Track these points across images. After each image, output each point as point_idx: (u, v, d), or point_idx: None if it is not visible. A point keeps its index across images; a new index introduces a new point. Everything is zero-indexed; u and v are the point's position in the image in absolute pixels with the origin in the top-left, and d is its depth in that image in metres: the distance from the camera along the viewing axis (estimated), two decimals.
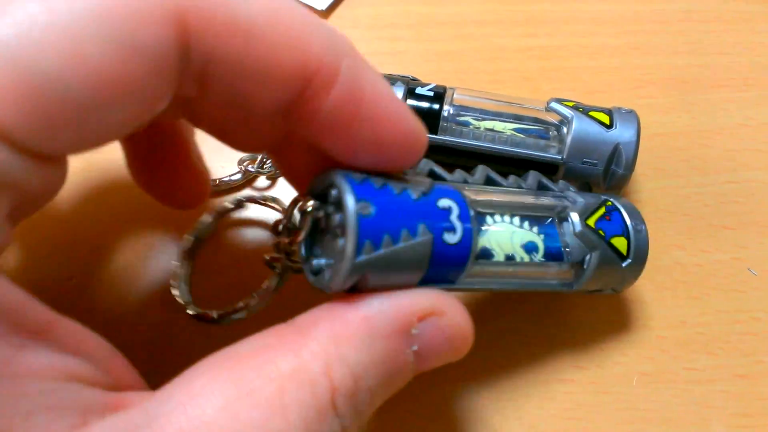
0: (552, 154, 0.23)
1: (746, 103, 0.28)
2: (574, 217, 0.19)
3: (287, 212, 0.17)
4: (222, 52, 0.13)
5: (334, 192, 0.15)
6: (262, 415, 0.12)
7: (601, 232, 0.20)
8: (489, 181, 0.19)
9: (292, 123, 0.15)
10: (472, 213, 0.16)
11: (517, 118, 0.24)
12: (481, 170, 0.19)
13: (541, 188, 0.20)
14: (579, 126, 0.23)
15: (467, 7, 0.30)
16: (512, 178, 0.20)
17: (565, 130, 0.23)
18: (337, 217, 0.15)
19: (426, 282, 0.16)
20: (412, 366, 0.15)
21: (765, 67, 0.29)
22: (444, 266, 0.16)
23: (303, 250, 0.16)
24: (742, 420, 0.21)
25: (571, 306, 0.23)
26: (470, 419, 0.21)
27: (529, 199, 0.19)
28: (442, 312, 0.15)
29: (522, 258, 0.18)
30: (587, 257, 0.19)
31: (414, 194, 0.15)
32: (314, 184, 0.16)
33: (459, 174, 0.18)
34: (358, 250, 0.14)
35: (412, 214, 0.15)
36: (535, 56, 0.29)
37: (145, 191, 0.21)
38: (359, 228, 0.14)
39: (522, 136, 0.23)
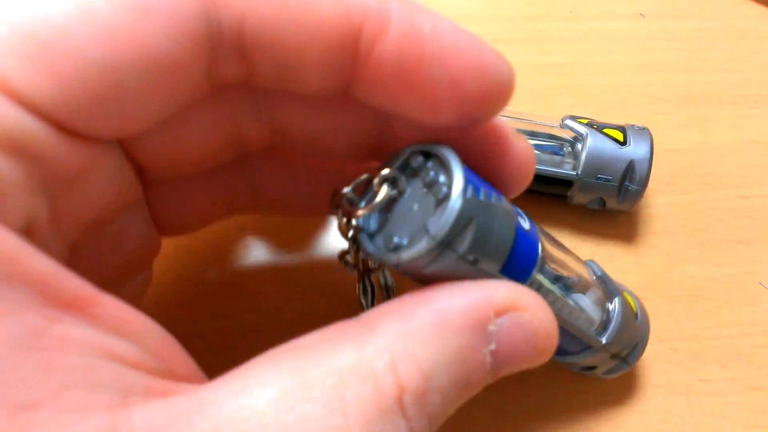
0: (567, 170, 0.24)
1: (758, 119, 0.28)
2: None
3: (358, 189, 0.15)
4: (255, 15, 0.12)
5: (416, 160, 0.14)
6: (318, 410, 0.11)
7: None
8: None
9: (353, 87, 0.14)
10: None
11: (533, 135, 0.24)
12: None
13: None
14: (593, 142, 0.23)
15: (483, 27, 0.31)
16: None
17: (579, 146, 0.24)
18: (430, 175, 0.14)
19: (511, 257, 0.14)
20: (488, 368, 0.13)
21: None
22: (521, 254, 0.15)
23: (372, 225, 0.14)
24: (755, 431, 0.22)
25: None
26: (484, 430, 0.22)
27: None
28: (523, 307, 0.14)
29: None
30: (610, 306, 0.20)
31: (498, 198, 0.14)
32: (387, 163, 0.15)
33: None
34: (465, 189, 0.13)
35: (494, 190, 0.14)
36: (549, 73, 0.29)
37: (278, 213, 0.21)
38: (464, 170, 0.13)
39: (537, 152, 0.24)
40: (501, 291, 0.13)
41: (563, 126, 0.24)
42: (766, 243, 0.25)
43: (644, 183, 0.23)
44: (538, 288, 0.16)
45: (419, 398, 0.12)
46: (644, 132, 0.24)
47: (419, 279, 0.14)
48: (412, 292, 0.14)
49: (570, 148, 0.24)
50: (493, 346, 0.13)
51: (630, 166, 0.23)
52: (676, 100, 0.29)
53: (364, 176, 0.15)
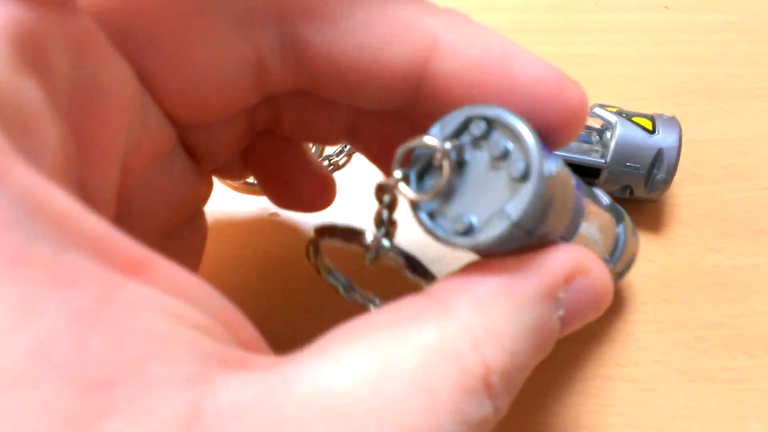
0: (595, 158, 0.24)
1: None
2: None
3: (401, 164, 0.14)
4: (326, 47, 0.14)
5: (478, 126, 0.13)
6: (404, 391, 0.11)
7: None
8: None
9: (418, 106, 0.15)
10: None
11: None
12: None
13: None
14: (623, 131, 0.23)
15: (509, 16, 0.31)
16: None
17: (608, 134, 0.24)
18: (499, 146, 0.13)
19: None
20: (557, 333, 0.14)
21: None
22: (576, 215, 0.15)
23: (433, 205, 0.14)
24: None
25: (612, 304, 0.24)
26: (513, 414, 0.22)
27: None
28: (587, 270, 0.14)
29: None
30: (618, 229, 0.21)
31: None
32: (441, 127, 0.13)
33: None
34: (544, 170, 0.12)
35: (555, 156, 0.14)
36: (576, 63, 0.30)
37: (281, 207, 0.21)
38: (540, 146, 0.12)
39: None
40: (567, 258, 0.13)
41: (592, 114, 0.25)
42: None
43: (672, 172, 0.23)
44: (575, 233, 0.16)
45: (504, 376, 0.12)
46: (673, 121, 0.24)
47: (479, 253, 0.14)
48: (474, 263, 0.14)
49: (598, 137, 0.24)
50: (561, 312, 0.13)
51: (658, 155, 0.23)
52: (701, 92, 0.29)
53: (408, 146, 0.13)
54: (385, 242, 0.15)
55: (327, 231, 0.15)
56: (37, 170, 0.09)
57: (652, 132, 0.23)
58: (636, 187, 0.24)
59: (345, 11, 0.14)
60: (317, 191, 0.21)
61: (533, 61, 0.14)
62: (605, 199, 0.22)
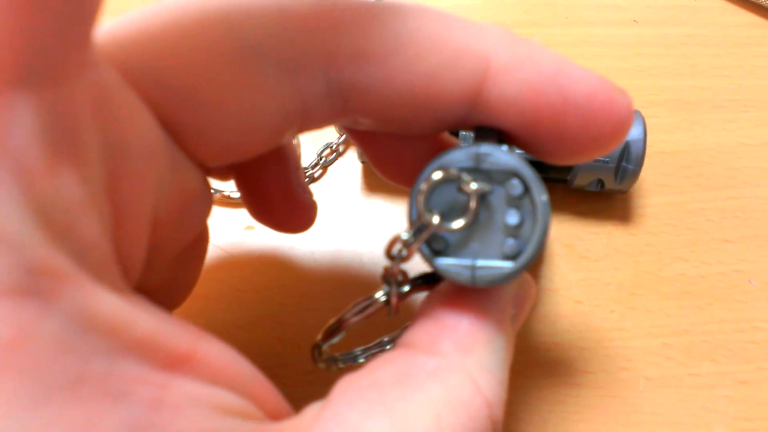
0: None
1: (747, 123, 0.29)
2: None
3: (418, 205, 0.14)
4: (372, 91, 0.13)
5: (492, 165, 0.14)
6: None
7: None
8: None
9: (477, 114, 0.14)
10: None
11: None
12: None
13: None
14: None
15: None
16: None
17: None
18: (513, 191, 0.14)
19: None
20: (514, 338, 0.16)
21: (764, 89, 0.30)
22: None
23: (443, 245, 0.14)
24: (744, 424, 0.22)
25: (579, 313, 0.24)
26: None
27: None
28: (526, 290, 0.16)
29: None
30: None
31: None
32: (452, 160, 0.14)
33: None
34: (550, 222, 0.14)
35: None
36: None
37: (260, 222, 0.21)
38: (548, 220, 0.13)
39: None
40: (513, 287, 0.16)
41: None
42: (754, 242, 0.26)
43: (640, 163, 0.24)
44: None
45: (500, 405, 0.13)
46: (636, 114, 0.25)
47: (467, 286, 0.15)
48: (434, 301, 0.15)
49: None
50: (515, 323, 0.15)
51: (626, 148, 0.24)
52: (668, 104, 0.29)
53: (422, 187, 0.14)
54: (404, 289, 0.16)
55: (336, 328, 0.16)
56: (85, 276, 0.09)
57: None
58: (606, 180, 0.25)
59: (393, 48, 0.13)
60: (298, 216, 0.21)
61: (584, 75, 0.14)
62: None
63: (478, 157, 0.13)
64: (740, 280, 0.25)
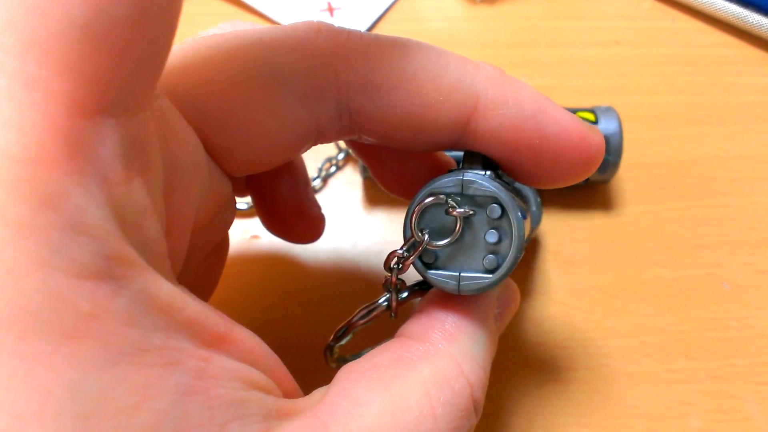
0: None
1: (720, 137, 0.31)
2: None
3: (411, 226, 0.16)
4: (375, 116, 0.16)
5: (475, 192, 0.16)
6: (414, 418, 0.14)
7: None
8: None
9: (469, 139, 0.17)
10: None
11: None
12: None
13: None
14: None
15: (472, 52, 0.34)
16: None
17: None
18: (492, 214, 0.16)
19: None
20: (497, 337, 0.18)
21: (737, 105, 0.32)
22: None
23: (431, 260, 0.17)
24: (716, 416, 0.24)
25: (564, 314, 0.26)
26: None
27: None
28: (511, 294, 0.19)
29: None
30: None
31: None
32: (441, 186, 0.16)
33: None
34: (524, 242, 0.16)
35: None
36: None
37: (271, 232, 0.23)
38: (520, 243, 0.16)
39: None
40: (498, 290, 0.18)
41: None
42: (727, 247, 0.28)
43: (619, 153, 0.27)
44: None
45: (481, 388, 0.16)
46: (611, 110, 0.28)
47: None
48: (428, 301, 0.17)
49: None
50: (498, 323, 0.18)
51: (605, 141, 0.26)
52: (647, 120, 0.31)
53: (414, 210, 0.16)
54: (403, 295, 0.18)
55: (344, 331, 0.18)
56: (148, 265, 0.11)
57: (596, 122, 0.27)
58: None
59: (397, 82, 0.15)
60: (308, 226, 0.23)
61: (560, 115, 0.16)
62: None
63: (464, 184, 0.16)
64: (713, 282, 0.27)
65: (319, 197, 0.29)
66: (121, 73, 0.10)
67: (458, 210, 0.16)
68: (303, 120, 0.15)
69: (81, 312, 0.10)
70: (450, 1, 0.36)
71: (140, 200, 0.12)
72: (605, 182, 0.28)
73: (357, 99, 0.15)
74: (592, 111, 0.28)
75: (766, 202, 0.29)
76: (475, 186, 0.16)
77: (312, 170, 0.30)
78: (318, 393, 0.15)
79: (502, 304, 0.18)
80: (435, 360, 0.15)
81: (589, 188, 0.29)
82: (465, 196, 0.16)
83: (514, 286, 0.19)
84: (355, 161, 0.30)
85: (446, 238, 0.16)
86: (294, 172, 0.22)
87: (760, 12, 0.33)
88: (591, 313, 0.26)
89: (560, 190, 0.28)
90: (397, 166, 0.20)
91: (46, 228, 0.10)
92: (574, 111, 0.27)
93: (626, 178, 0.30)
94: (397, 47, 0.15)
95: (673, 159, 0.30)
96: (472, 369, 0.15)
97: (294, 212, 0.22)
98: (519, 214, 0.16)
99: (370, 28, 0.35)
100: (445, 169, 0.20)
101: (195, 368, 0.11)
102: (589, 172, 0.17)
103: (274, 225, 0.23)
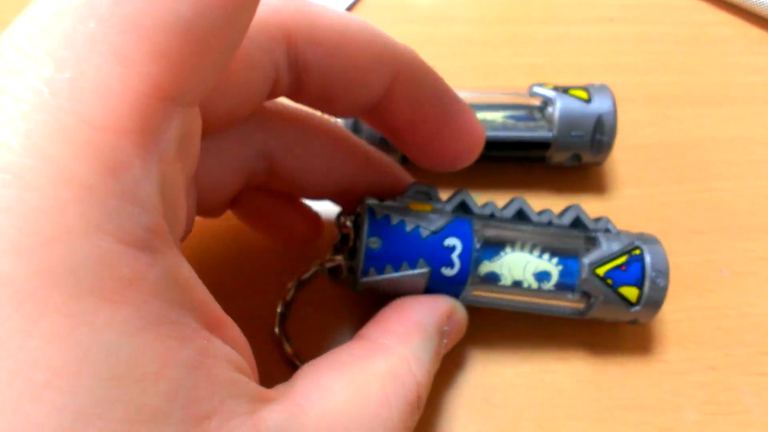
0: (543, 132, 0.26)
1: (717, 118, 0.30)
2: (585, 262, 0.21)
3: (341, 222, 0.22)
4: (318, 57, 0.17)
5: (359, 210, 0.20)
6: (374, 406, 0.16)
7: (609, 281, 0.21)
8: (520, 215, 0.22)
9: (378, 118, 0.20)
10: (477, 247, 0.20)
11: (504, 107, 0.27)
12: (515, 204, 0.22)
13: (576, 225, 0.22)
14: (563, 104, 0.25)
15: (461, 28, 0.32)
16: (547, 213, 0.22)
17: (550, 110, 0.26)
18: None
19: (431, 291, 0.21)
20: (442, 354, 0.20)
21: (735, 86, 0.31)
22: (442, 290, 0.21)
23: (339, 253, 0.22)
24: (712, 407, 0.23)
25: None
26: (462, 405, 0.23)
27: (552, 238, 0.22)
28: (457, 310, 0.21)
29: (530, 285, 0.21)
30: (592, 299, 0.22)
31: (424, 232, 0.20)
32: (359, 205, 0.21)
33: (489, 207, 0.21)
34: (364, 273, 0.20)
35: (416, 250, 0.20)
36: (523, 73, 0.31)
37: (271, 238, 0.24)
38: (366, 257, 0.19)
39: (513, 121, 0.26)
40: (446, 304, 0.21)
41: (532, 94, 0.26)
42: (724, 233, 0.27)
43: (613, 133, 0.26)
44: (486, 292, 0.22)
45: (425, 389, 0.18)
46: (605, 87, 0.26)
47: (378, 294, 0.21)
48: (388, 308, 0.20)
49: (540, 113, 0.26)
50: (445, 340, 0.20)
51: (599, 120, 0.25)
52: (642, 100, 0.30)
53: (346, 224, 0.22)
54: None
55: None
56: (174, 244, 0.12)
57: (589, 101, 0.26)
58: (583, 154, 0.26)
59: (338, 41, 0.17)
60: (307, 230, 0.24)
61: (460, 102, 0.20)
62: (584, 273, 0.22)
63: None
64: (710, 269, 0.26)
65: None
66: (200, 69, 0.12)
67: (348, 223, 0.21)
68: (266, 66, 0.17)
69: (122, 278, 0.11)
70: None
71: (178, 182, 0.13)
72: (598, 164, 0.27)
73: (305, 52, 0.17)
74: (585, 89, 0.26)
75: (765, 186, 0.28)
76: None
77: None
78: (282, 386, 0.16)
79: (452, 323, 0.21)
80: (390, 358, 0.17)
81: (582, 170, 0.28)
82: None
83: (464, 314, 0.22)
84: None
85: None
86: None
87: None
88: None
89: (553, 172, 0.27)
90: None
91: (107, 194, 0.11)
92: (566, 89, 0.26)
93: (620, 160, 0.28)
94: (338, 14, 0.18)
95: (668, 141, 0.29)
96: (420, 369, 0.18)
97: (290, 222, 0.24)
98: (368, 228, 0.20)
99: (354, 3, 0.33)
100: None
101: (201, 347, 0.12)
102: (470, 160, 0.21)
103: (273, 237, 0.24)
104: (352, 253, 0.21)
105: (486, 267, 0.21)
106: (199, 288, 0.13)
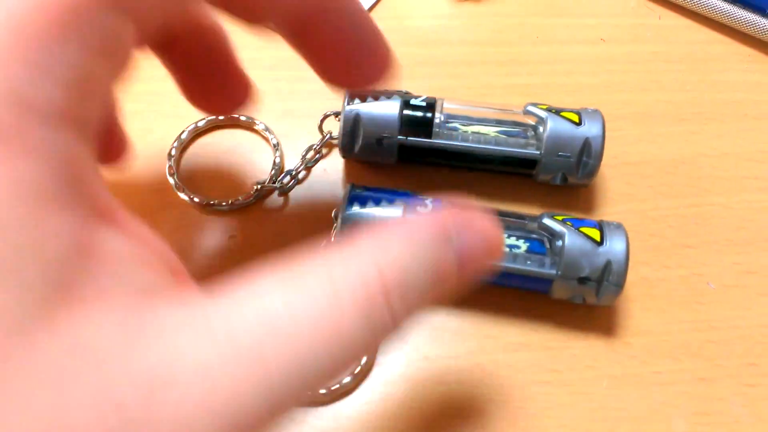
0: (532, 151, 0.26)
1: (707, 135, 0.31)
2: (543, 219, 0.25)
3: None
4: None
5: None
6: (318, 307, 0.13)
7: (568, 224, 0.24)
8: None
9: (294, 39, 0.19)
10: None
11: (499, 123, 0.27)
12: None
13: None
14: (553, 125, 0.26)
15: (458, 50, 0.33)
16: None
17: (541, 129, 0.27)
18: None
19: None
20: (455, 269, 0.15)
21: (724, 103, 0.32)
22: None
23: None
24: (702, 418, 0.24)
25: (547, 315, 0.25)
26: (454, 417, 0.23)
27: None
28: (473, 215, 0.16)
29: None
30: (559, 243, 0.24)
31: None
32: None
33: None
34: None
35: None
36: (518, 93, 0.32)
37: (193, 104, 0.22)
38: None
39: (505, 137, 0.27)
40: (453, 213, 0.16)
41: (526, 112, 0.27)
42: (713, 247, 0.27)
43: (599, 157, 0.26)
44: None
45: (400, 289, 0.14)
46: (596, 113, 0.27)
47: None
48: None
49: (533, 132, 0.27)
50: (457, 252, 0.15)
51: (586, 143, 0.26)
52: (633, 118, 0.31)
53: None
54: None
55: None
56: (83, 137, 0.13)
57: (579, 124, 0.26)
58: (569, 175, 0.27)
59: None
60: (241, 91, 0.22)
61: (370, 19, 0.19)
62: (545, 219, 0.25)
63: None
64: (699, 282, 0.27)
65: (304, 185, 0.29)
66: None
67: None
68: None
69: (9, 138, 0.11)
70: None
71: (100, 78, 0.13)
72: (585, 186, 0.28)
73: None
74: (577, 112, 0.27)
75: (753, 200, 0.29)
76: None
77: (295, 160, 0.29)
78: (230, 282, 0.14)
79: (470, 234, 0.16)
80: (349, 252, 0.14)
81: (569, 191, 0.28)
82: None
83: (492, 226, 0.16)
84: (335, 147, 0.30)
85: None
86: (216, 30, 0.21)
87: (747, 9, 0.33)
88: (572, 314, 0.26)
89: (544, 186, 0.28)
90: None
91: (17, 59, 0.11)
92: (559, 111, 0.27)
93: (611, 176, 0.29)
94: None
95: (659, 157, 0.30)
96: (390, 266, 0.14)
97: (221, 78, 0.22)
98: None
99: None
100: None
101: (83, 230, 0.12)
102: (381, 81, 0.20)
103: (197, 97, 0.22)
104: None
105: None
106: (97, 182, 0.13)
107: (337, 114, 0.29)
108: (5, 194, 0.11)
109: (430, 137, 0.27)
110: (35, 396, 0.10)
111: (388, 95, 0.27)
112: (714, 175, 0.29)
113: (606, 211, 0.28)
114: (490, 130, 0.27)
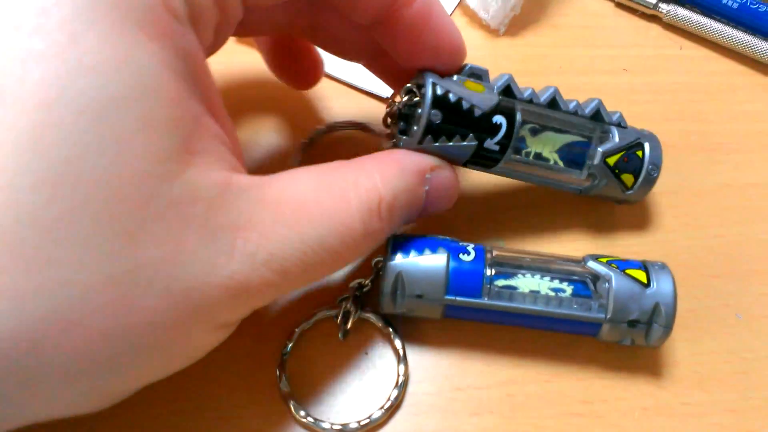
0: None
1: (731, 165, 0.31)
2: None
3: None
4: None
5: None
6: (334, 201, 0.19)
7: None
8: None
9: (380, 33, 0.23)
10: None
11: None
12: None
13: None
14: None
15: None
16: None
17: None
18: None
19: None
20: (422, 200, 0.23)
21: (747, 133, 0.32)
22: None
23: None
24: None
25: (578, 347, 0.26)
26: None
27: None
28: (445, 168, 0.23)
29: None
30: (606, 285, 0.24)
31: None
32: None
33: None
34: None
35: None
36: None
37: (279, 77, 0.29)
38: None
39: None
40: (433, 159, 0.23)
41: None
42: (740, 278, 0.28)
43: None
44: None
45: (388, 206, 0.21)
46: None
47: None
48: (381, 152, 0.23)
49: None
50: (427, 188, 0.23)
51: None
52: None
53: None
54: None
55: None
56: (200, 44, 0.18)
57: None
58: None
59: None
60: (313, 67, 0.29)
61: (450, 21, 0.24)
62: (589, 261, 0.25)
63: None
64: (727, 313, 0.27)
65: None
66: None
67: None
68: None
69: (161, 22, 0.16)
70: (473, 32, 0.36)
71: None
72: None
73: None
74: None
75: None
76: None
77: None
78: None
79: (437, 178, 0.23)
80: (358, 169, 0.21)
81: (601, 215, 0.29)
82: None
83: (452, 176, 0.24)
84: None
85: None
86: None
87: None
88: (605, 346, 0.26)
89: (582, 203, 0.28)
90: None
91: None
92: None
93: (637, 207, 0.30)
94: None
95: (683, 187, 0.30)
96: (385, 186, 0.21)
97: (301, 51, 0.28)
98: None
99: None
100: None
101: (200, 111, 0.17)
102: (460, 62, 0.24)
103: (280, 65, 0.28)
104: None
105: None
106: (209, 78, 0.18)
107: None
108: (157, 67, 0.15)
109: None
110: (168, 219, 0.16)
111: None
112: (739, 205, 0.30)
113: (632, 242, 0.29)
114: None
